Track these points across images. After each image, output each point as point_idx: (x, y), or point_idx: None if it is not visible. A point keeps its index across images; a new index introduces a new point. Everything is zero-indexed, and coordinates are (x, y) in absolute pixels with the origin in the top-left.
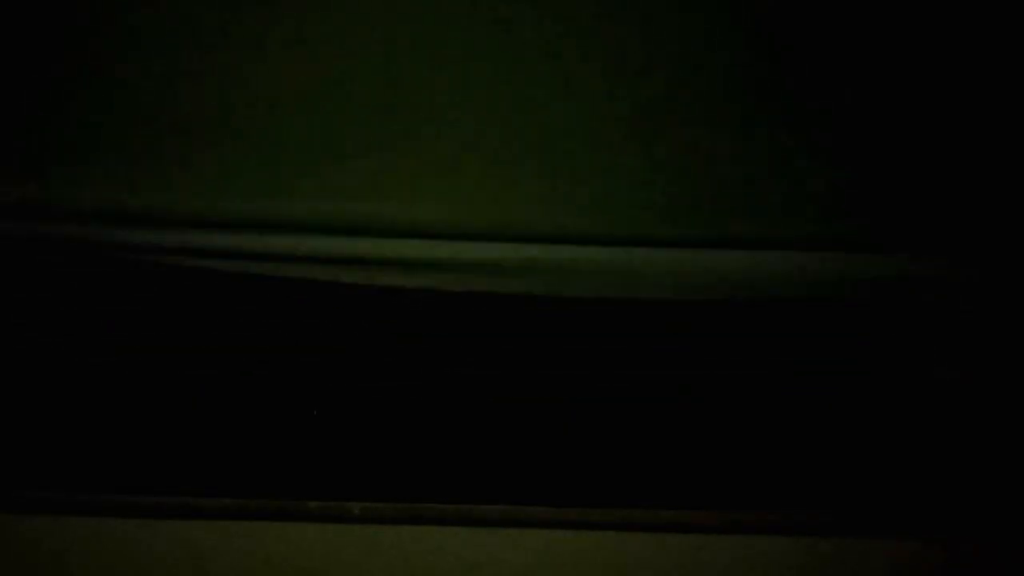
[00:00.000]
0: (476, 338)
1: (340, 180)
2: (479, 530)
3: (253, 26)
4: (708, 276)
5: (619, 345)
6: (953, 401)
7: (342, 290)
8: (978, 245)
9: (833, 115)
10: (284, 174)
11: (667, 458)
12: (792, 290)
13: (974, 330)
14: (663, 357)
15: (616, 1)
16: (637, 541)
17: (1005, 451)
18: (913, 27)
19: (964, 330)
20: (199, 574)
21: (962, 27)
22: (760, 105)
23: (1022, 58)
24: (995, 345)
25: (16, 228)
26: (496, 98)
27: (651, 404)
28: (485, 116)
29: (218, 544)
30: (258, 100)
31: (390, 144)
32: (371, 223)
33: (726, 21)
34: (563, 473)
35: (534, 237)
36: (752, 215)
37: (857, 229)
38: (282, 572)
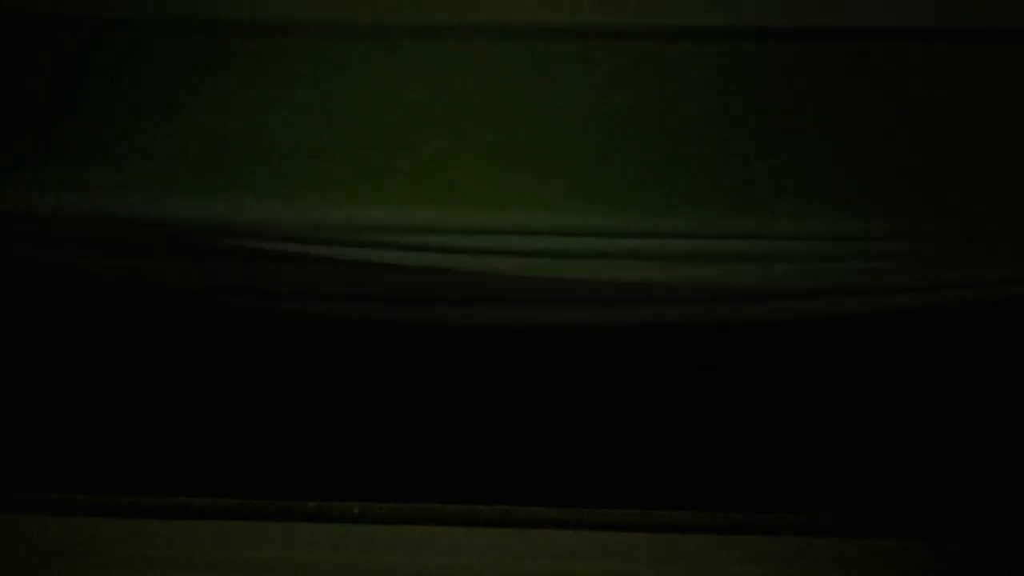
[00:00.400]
0: (475, 337)
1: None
2: (479, 530)
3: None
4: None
5: (619, 343)
6: (953, 401)
7: (340, 289)
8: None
9: (839, 117)
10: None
11: (667, 458)
12: (792, 286)
13: (974, 330)
14: (662, 355)
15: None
16: (637, 541)
17: (1005, 452)
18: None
19: (964, 330)
20: (199, 574)
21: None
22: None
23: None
24: (995, 345)
25: (15, 231)
26: (520, 99)
27: (651, 404)
28: (506, 119)
29: (218, 544)
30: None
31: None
32: (368, 222)
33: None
34: (563, 473)
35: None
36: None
37: (863, 225)
38: (282, 572)
